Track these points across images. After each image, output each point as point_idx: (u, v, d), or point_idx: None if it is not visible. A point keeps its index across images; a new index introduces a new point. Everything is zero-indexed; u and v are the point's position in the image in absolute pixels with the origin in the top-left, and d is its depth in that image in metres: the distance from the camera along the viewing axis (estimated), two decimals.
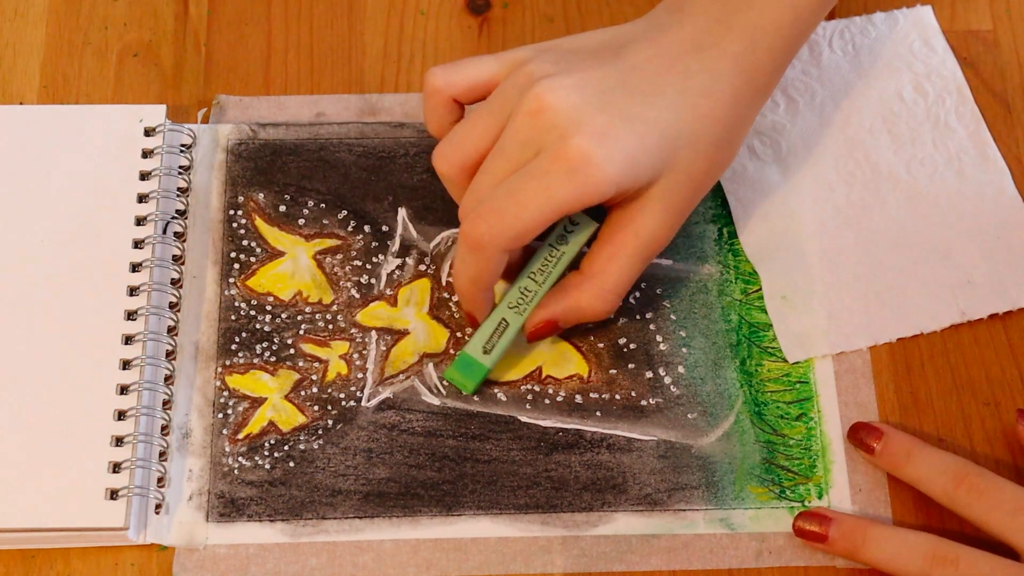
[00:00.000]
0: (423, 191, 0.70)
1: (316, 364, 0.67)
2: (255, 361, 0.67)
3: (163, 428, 0.65)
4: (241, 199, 0.70)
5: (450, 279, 0.69)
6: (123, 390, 0.64)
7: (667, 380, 0.66)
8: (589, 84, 0.60)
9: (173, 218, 0.69)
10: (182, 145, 0.70)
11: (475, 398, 0.66)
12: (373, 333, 0.67)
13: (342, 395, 0.66)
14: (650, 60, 0.62)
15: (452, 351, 0.67)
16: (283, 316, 0.68)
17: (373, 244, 0.69)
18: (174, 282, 0.68)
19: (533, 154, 0.59)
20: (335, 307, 0.68)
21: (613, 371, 0.67)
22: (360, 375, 0.66)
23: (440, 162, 0.63)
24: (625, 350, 0.67)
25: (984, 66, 0.74)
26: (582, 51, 0.63)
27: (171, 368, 0.66)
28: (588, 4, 0.75)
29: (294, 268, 0.69)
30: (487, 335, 0.64)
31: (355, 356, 0.67)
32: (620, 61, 0.62)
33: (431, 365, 0.67)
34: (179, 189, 0.69)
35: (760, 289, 0.68)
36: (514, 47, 0.74)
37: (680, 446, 0.65)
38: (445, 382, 0.66)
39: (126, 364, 0.65)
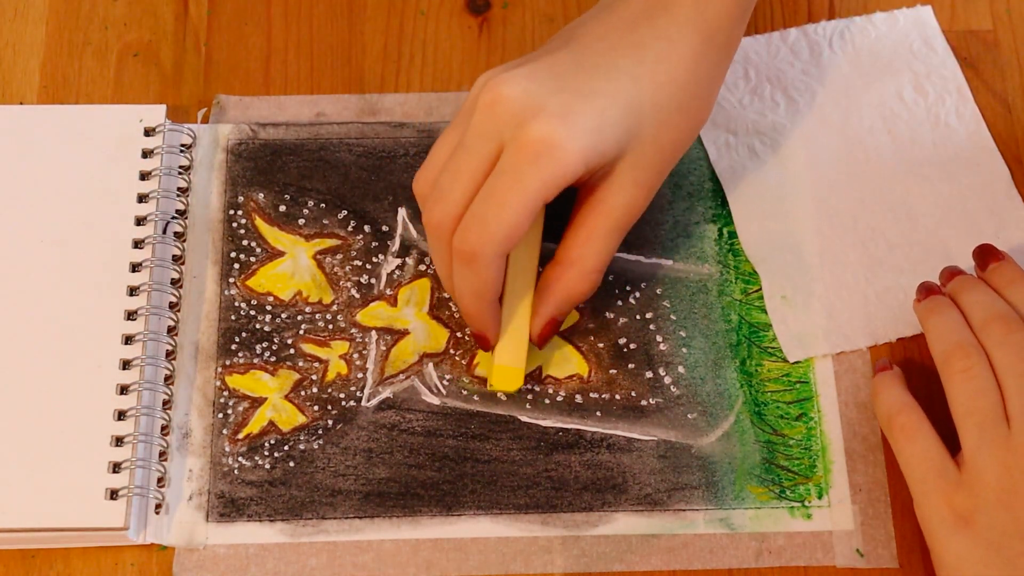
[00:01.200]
0: None
1: (316, 364, 0.67)
2: (255, 361, 0.67)
3: (163, 428, 0.65)
4: (241, 199, 0.70)
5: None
6: (123, 390, 0.64)
7: (667, 380, 0.66)
8: (541, 70, 0.60)
9: (173, 218, 0.69)
10: (182, 145, 0.70)
11: (475, 398, 0.66)
12: (373, 333, 0.67)
13: (342, 395, 0.66)
14: (601, 38, 0.62)
15: (452, 351, 0.67)
16: (283, 316, 0.68)
17: (373, 244, 0.69)
18: (174, 282, 0.68)
19: (495, 146, 0.59)
20: (335, 307, 0.68)
21: (613, 371, 0.67)
22: (360, 375, 0.66)
23: (431, 218, 0.61)
24: (625, 350, 0.67)
25: (984, 66, 0.74)
26: (534, 52, 0.63)
27: (171, 368, 0.66)
28: (588, 4, 0.75)
29: (294, 268, 0.69)
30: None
31: (355, 356, 0.67)
32: (571, 45, 0.62)
33: (431, 365, 0.67)
34: (179, 189, 0.69)
35: (760, 289, 0.68)
36: (514, 47, 0.74)
37: (680, 446, 0.65)
38: (445, 381, 0.66)
39: (126, 364, 0.65)
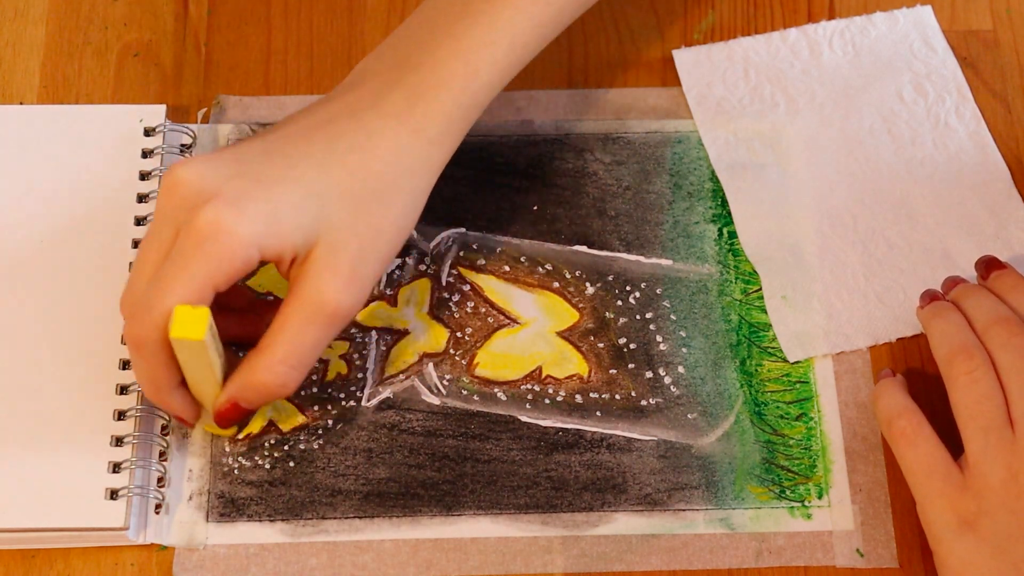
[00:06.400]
0: None
1: (316, 364, 0.66)
2: None
3: (163, 428, 0.65)
4: None
5: (449, 279, 0.69)
6: (123, 390, 0.64)
7: (667, 380, 0.66)
8: (225, 156, 0.59)
9: None
10: (182, 145, 0.70)
11: (475, 398, 0.66)
12: (373, 333, 0.67)
13: (342, 395, 0.66)
14: (300, 130, 0.60)
15: (452, 351, 0.67)
16: None
17: None
18: None
19: (173, 231, 0.58)
20: None
21: (613, 371, 0.67)
22: (360, 375, 0.66)
23: (121, 308, 0.59)
24: (625, 350, 0.67)
25: (984, 66, 0.74)
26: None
27: None
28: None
29: None
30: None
31: (355, 356, 0.67)
32: (269, 134, 0.61)
33: (431, 365, 0.67)
34: None
35: (760, 289, 0.68)
36: None
37: (680, 446, 0.65)
38: (445, 381, 0.66)
39: (126, 364, 0.64)
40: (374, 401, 0.66)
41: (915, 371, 0.67)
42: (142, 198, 0.68)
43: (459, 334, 0.67)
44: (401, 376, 0.66)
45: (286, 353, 0.59)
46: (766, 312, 0.68)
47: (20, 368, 0.64)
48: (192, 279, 0.57)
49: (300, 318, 0.59)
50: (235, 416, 0.62)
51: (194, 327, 0.57)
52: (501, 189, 0.71)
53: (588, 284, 0.69)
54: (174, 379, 0.60)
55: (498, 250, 0.69)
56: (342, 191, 0.59)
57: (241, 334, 0.63)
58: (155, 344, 0.58)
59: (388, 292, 0.68)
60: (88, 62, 0.74)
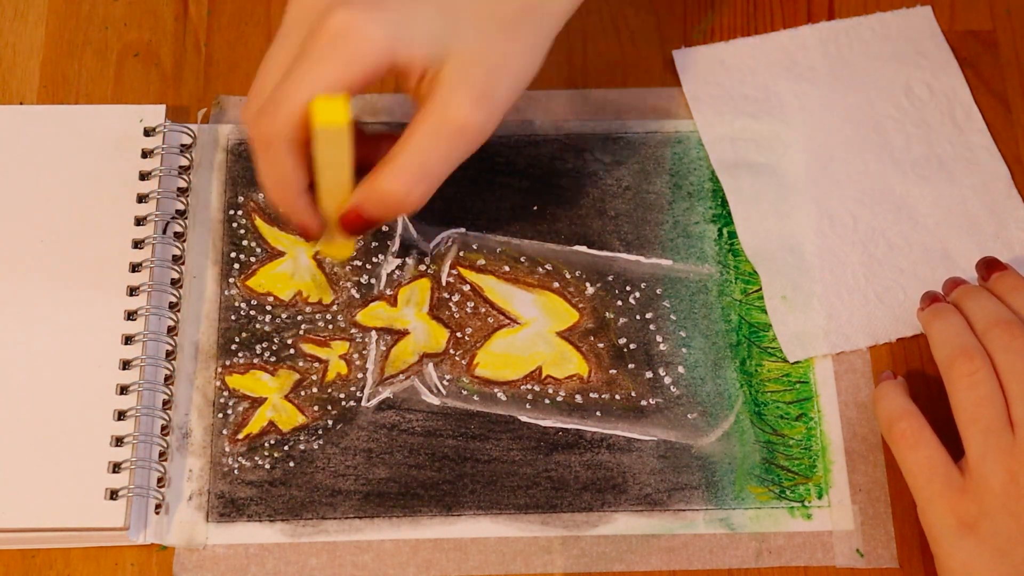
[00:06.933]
0: None
1: (316, 364, 0.67)
2: (255, 361, 0.67)
3: (163, 428, 0.65)
4: (241, 199, 0.70)
5: (449, 279, 0.69)
6: (123, 390, 0.64)
7: (667, 380, 0.66)
8: None
9: (173, 218, 0.69)
10: (182, 145, 0.70)
11: (475, 398, 0.66)
12: (373, 333, 0.67)
13: (342, 395, 0.66)
14: None
15: (452, 351, 0.67)
16: (283, 316, 0.68)
17: (373, 244, 0.69)
18: (174, 282, 0.68)
19: (303, 33, 0.58)
20: (335, 307, 0.68)
21: (613, 371, 0.67)
22: (360, 375, 0.66)
23: (246, 115, 0.59)
24: (625, 350, 0.67)
25: (984, 66, 0.74)
26: None
27: (171, 368, 0.66)
28: (589, 5, 0.75)
29: (294, 268, 0.69)
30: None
31: (355, 356, 0.67)
32: None
33: (431, 365, 0.67)
34: (179, 189, 0.69)
35: (760, 289, 0.68)
36: None
37: (680, 446, 0.65)
38: (445, 381, 0.66)
39: (126, 364, 0.65)
40: (374, 401, 0.66)
41: (915, 372, 0.67)
42: (142, 198, 0.68)
43: (459, 334, 0.67)
44: (401, 376, 0.66)
45: (408, 162, 0.58)
46: (766, 312, 0.68)
47: (21, 368, 0.64)
48: (324, 75, 0.56)
49: (426, 130, 0.58)
50: (358, 224, 0.60)
51: (337, 114, 0.56)
52: (501, 189, 0.71)
53: (588, 284, 0.69)
54: (303, 180, 0.59)
55: (498, 250, 0.69)
56: (475, 12, 0.59)
57: (362, 160, 0.61)
58: (286, 141, 0.57)
59: (388, 292, 0.68)
60: (88, 62, 0.74)
